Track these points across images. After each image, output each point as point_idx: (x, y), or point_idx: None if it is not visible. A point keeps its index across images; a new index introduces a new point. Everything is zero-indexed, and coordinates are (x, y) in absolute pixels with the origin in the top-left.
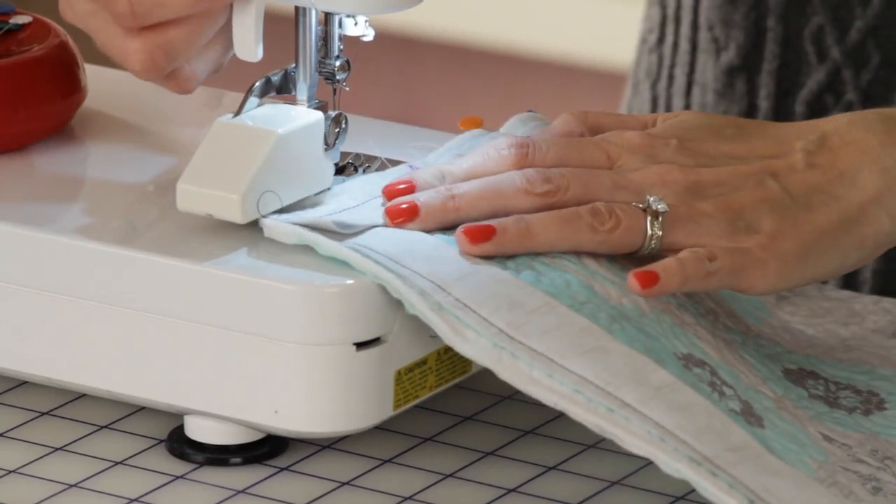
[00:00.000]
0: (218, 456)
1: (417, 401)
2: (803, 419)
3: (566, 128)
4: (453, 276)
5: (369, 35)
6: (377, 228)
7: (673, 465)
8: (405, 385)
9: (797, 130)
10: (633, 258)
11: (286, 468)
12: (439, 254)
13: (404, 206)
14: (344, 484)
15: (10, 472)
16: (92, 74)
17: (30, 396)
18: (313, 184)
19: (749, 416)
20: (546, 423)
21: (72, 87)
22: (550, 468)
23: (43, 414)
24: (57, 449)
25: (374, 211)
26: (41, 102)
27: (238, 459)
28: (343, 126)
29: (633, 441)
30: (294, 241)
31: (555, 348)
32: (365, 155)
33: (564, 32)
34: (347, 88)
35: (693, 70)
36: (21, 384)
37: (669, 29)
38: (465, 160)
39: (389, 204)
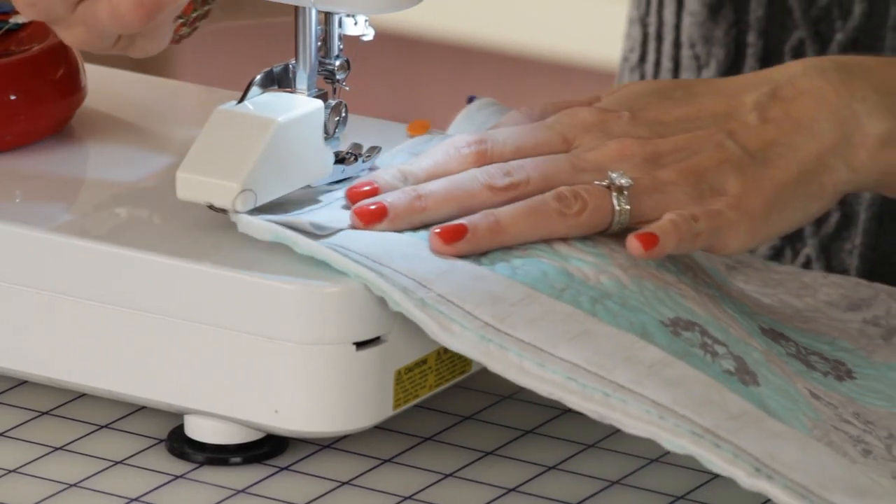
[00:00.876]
0: (218, 456)
1: (417, 400)
2: (790, 374)
3: (515, 122)
4: (433, 272)
5: (369, 35)
6: (350, 230)
7: (676, 441)
8: (405, 385)
9: (748, 83)
10: (603, 235)
11: (286, 468)
12: (415, 252)
13: (372, 207)
14: (344, 484)
15: (10, 471)
16: (92, 74)
17: (30, 396)
18: (313, 172)
19: (744, 373)
20: (546, 422)
21: (72, 87)
22: (550, 468)
23: (43, 414)
24: (57, 449)
25: (341, 213)
26: (41, 102)
27: (238, 459)
28: (343, 115)
29: (633, 423)
30: (269, 239)
31: (543, 337)
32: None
33: (564, 32)
34: (347, 88)
35: None
36: (21, 384)
37: (651, 47)
38: (424, 159)
39: (356, 206)
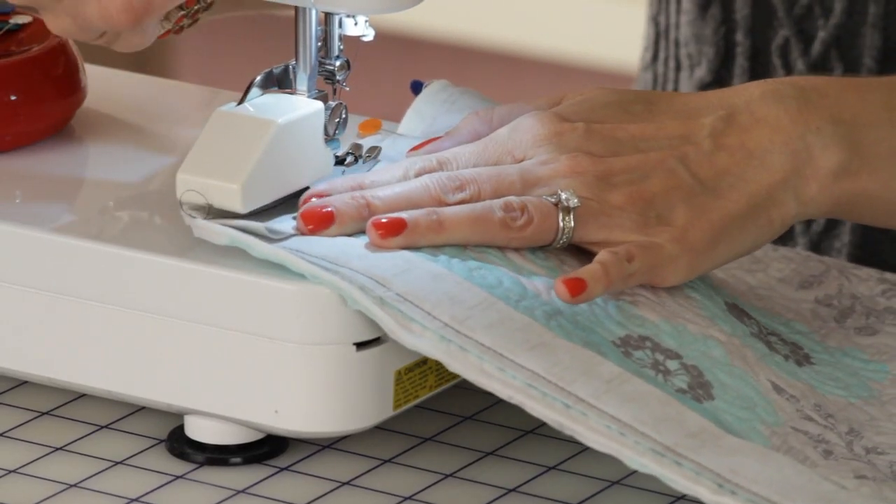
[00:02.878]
0: (218, 456)
1: (417, 401)
2: (752, 363)
3: (472, 129)
4: (390, 272)
5: (369, 35)
6: (304, 236)
7: (637, 459)
8: (405, 385)
9: (707, 104)
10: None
11: (286, 468)
12: (371, 252)
13: (319, 210)
14: (344, 484)
15: (10, 472)
16: (92, 74)
17: (30, 396)
18: (313, 174)
19: (697, 389)
20: (546, 422)
21: (72, 87)
22: (550, 468)
23: (43, 414)
24: (57, 449)
25: (294, 221)
26: (41, 102)
27: (238, 459)
28: (343, 117)
29: (595, 438)
30: (225, 243)
31: (502, 343)
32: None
33: (564, 32)
34: (347, 88)
35: (677, 87)
36: (21, 384)
37: (661, 45)
38: (377, 175)
39: (303, 209)
